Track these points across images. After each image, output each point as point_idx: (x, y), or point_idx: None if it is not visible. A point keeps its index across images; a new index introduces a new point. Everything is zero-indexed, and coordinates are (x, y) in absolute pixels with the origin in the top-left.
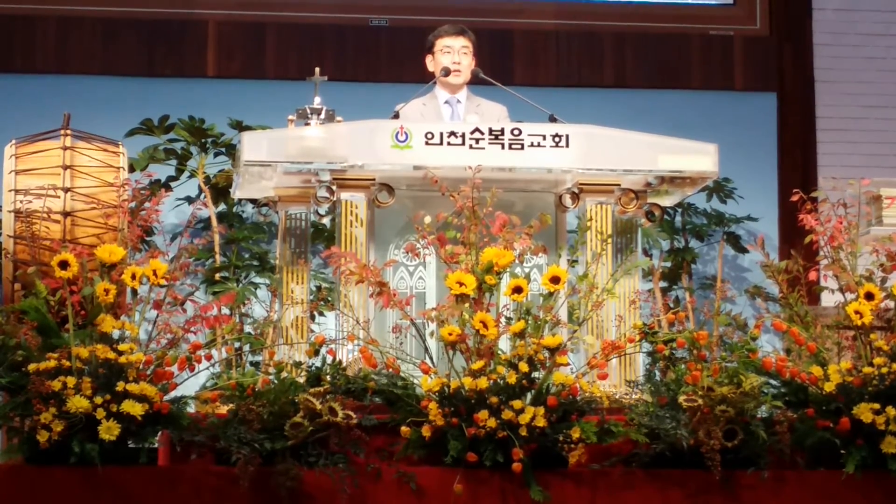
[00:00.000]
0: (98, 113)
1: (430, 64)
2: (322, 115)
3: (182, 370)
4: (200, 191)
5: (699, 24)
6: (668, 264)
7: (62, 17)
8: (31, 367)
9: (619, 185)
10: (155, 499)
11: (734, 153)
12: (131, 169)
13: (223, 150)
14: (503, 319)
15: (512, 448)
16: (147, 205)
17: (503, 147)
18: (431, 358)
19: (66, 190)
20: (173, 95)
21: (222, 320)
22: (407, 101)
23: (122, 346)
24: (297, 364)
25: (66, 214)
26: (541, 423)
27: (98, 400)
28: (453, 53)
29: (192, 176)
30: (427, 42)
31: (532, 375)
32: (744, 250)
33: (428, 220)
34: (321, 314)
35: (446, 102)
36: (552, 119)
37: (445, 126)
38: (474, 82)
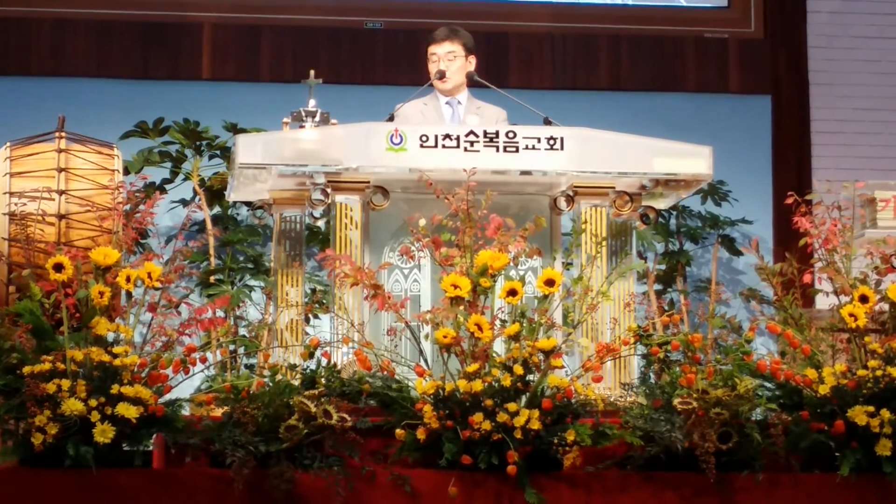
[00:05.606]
0: (93, 115)
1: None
2: (317, 118)
3: (177, 373)
4: (195, 193)
5: (694, 27)
6: (663, 267)
7: (57, 19)
8: (26, 369)
9: (613, 187)
10: (149, 501)
11: (729, 156)
12: (126, 171)
13: (218, 152)
14: (498, 322)
15: (507, 451)
16: (142, 207)
17: (498, 150)
18: (426, 360)
19: (61, 192)
20: (168, 98)
21: (217, 323)
22: (406, 101)
23: (116, 349)
24: (292, 367)
25: (60, 217)
26: (535, 425)
27: (92, 403)
28: (439, 61)
29: (186, 178)
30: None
31: (527, 378)
32: (738, 253)
33: (423, 222)
34: (316, 317)
35: (447, 103)
36: (547, 122)
37: (440, 129)
38: (470, 84)
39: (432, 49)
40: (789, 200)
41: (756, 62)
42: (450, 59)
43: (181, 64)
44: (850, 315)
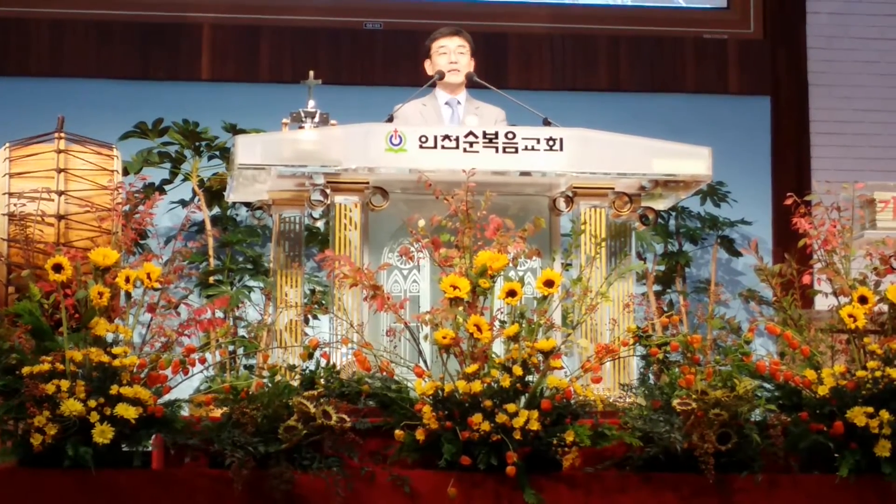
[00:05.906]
0: (92, 116)
1: (429, 68)
2: (316, 119)
3: (176, 373)
4: (194, 194)
5: (693, 28)
6: (662, 268)
7: (56, 20)
8: (25, 370)
9: (613, 188)
10: (149, 502)
11: (728, 157)
12: (125, 172)
13: (217, 153)
14: (497, 323)
15: (506, 451)
16: (141, 208)
17: (497, 150)
18: (425, 361)
19: (60, 193)
20: (167, 98)
21: (216, 323)
22: (405, 101)
23: (115, 350)
24: (291, 367)
25: (59, 218)
26: (535, 426)
27: (92, 403)
28: (449, 53)
29: (185, 179)
30: (424, 47)
31: (526, 379)
32: (738, 254)
33: (422, 223)
34: (315, 317)
35: (446, 104)
36: (546, 122)
37: (439, 129)
38: (469, 85)
39: (441, 42)
40: (788, 201)
41: (755, 63)
42: (461, 51)
43: (180, 64)
44: (850, 316)
